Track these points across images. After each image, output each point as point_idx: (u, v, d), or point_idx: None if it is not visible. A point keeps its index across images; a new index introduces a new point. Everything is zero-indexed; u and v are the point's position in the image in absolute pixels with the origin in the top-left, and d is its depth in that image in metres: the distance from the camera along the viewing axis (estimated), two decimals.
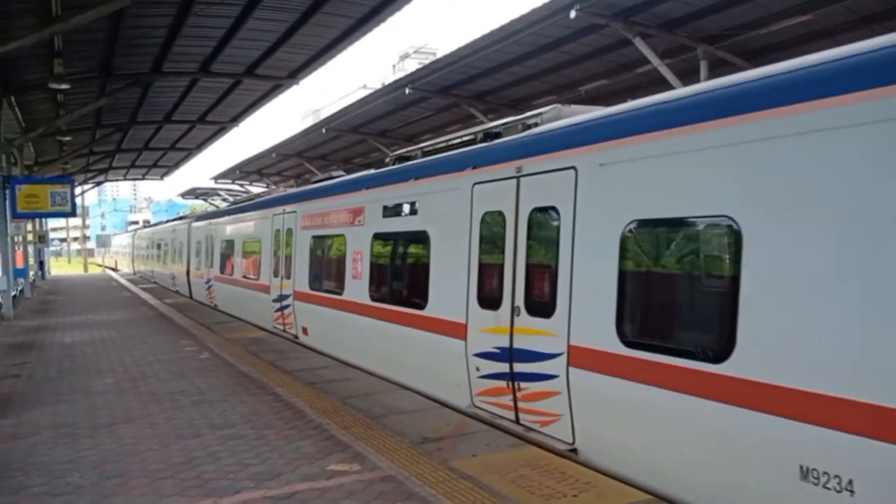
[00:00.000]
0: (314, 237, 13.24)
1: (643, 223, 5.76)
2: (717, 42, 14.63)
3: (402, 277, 10.17)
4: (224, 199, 25.81)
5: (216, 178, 40.15)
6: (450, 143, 9.70)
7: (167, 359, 11.51)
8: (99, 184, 55.11)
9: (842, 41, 4.51)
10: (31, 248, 31.51)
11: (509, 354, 7.21)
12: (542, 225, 6.97)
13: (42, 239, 37.53)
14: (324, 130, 26.53)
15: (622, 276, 5.82)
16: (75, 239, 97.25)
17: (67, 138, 25.14)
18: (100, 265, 69.32)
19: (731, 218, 4.90)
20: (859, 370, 4.11)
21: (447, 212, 8.58)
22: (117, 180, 50.68)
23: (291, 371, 10.18)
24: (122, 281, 36.30)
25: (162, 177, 43.68)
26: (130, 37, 15.12)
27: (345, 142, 29.33)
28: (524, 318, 7.04)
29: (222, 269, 20.23)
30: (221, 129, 27.30)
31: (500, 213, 7.54)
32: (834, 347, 4.24)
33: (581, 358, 6.21)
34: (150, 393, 8.95)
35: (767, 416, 4.50)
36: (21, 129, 22.06)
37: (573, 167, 6.49)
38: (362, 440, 6.60)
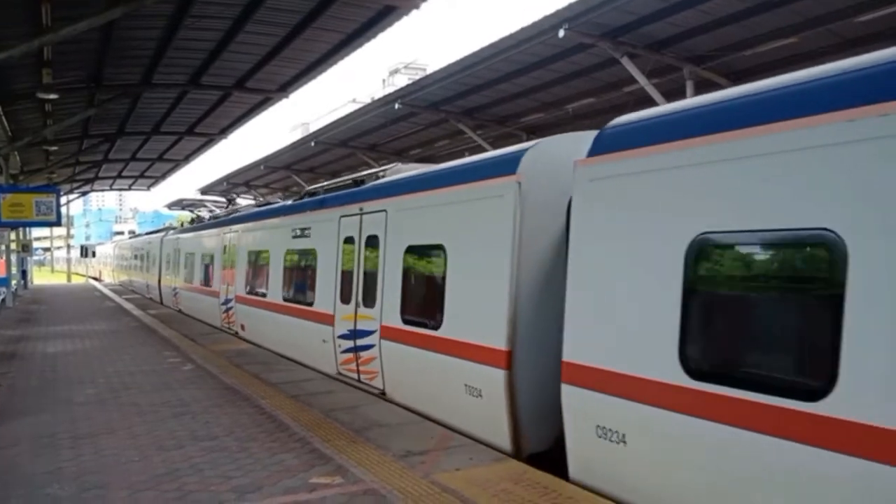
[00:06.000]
0: (249, 252, 16.05)
1: (412, 247, 8.99)
2: (703, 62, 14.85)
3: (304, 283, 12.78)
4: (210, 211, 25.74)
5: (203, 190, 40.07)
6: (338, 184, 12.79)
7: (150, 370, 11.44)
8: (84, 194, 54.88)
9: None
10: (14, 257, 31.20)
11: (354, 334, 10.21)
12: (371, 247, 10.04)
13: (25, 248, 37.20)
14: (313, 143, 26.62)
15: (405, 279, 9.04)
16: (59, 248, 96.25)
17: (54, 148, 25.02)
18: (83, 275, 68.69)
19: (442, 246, 8.19)
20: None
21: (326, 234, 11.65)
22: (103, 190, 50.41)
23: (275, 383, 10.14)
24: (106, 291, 36.03)
25: (149, 187, 43.47)
26: (121, 48, 15.12)
27: (333, 155, 29.40)
28: (362, 309, 10.08)
29: (186, 280, 22.81)
30: (210, 140, 27.27)
31: (352, 238, 10.70)
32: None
33: (387, 332, 9.25)
34: (133, 404, 8.89)
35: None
36: (7, 139, 21.93)
37: (385, 210, 9.72)
38: (345, 453, 6.58)
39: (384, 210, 9.69)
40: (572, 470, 6.01)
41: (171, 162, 33.14)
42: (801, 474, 4.14)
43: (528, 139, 20.16)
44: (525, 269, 6.94)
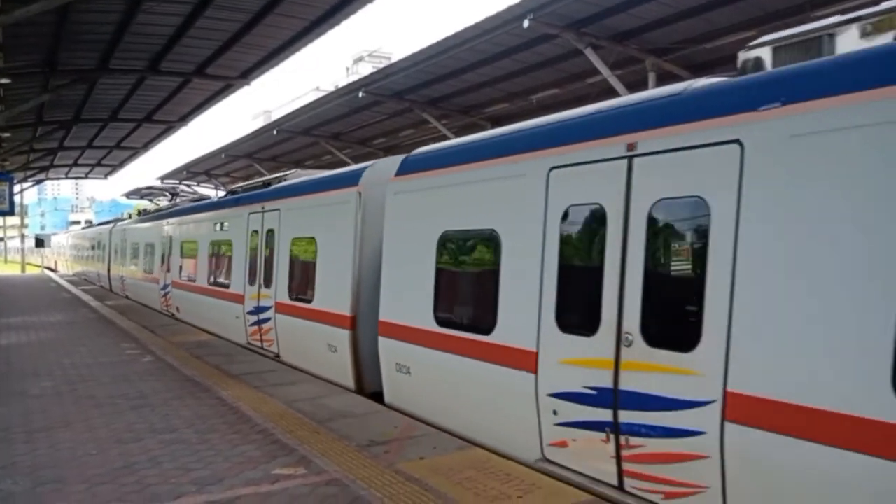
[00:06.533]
0: (182, 242, 18.12)
1: (296, 239, 11.36)
2: (665, 55, 15.00)
3: (223, 269, 14.81)
4: (169, 199, 25.32)
5: (163, 178, 39.28)
6: (252, 185, 15.13)
7: (108, 362, 11.23)
8: (39, 182, 53.43)
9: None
10: None
11: (258, 310, 12.49)
12: (270, 239, 12.30)
13: None
14: (275, 132, 26.26)
15: (291, 264, 11.40)
16: (12, 238, 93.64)
17: (7, 134, 24.28)
18: (38, 265, 67.03)
19: (314, 238, 10.79)
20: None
21: (239, 228, 13.86)
22: (59, 178, 49.14)
23: (237, 375, 10.04)
24: (62, 282, 35.22)
25: (106, 176, 42.51)
26: (77, 32, 14.72)
27: (296, 144, 29.05)
28: (263, 289, 12.37)
29: (132, 267, 24.72)
30: (169, 128, 26.74)
31: (256, 231, 13.03)
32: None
33: (280, 307, 11.62)
34: (90, 396, 8.71)
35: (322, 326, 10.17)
36: None
37: (279, 209, 12.14)
38: (308, 444, 6.55)
39: (278, 209, 12.15)
40: (386, 397, 8.58)
41: (129, 150, 32.42)
42: (483, 377, 6.76)
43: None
44: (364, 255, 9.44)
